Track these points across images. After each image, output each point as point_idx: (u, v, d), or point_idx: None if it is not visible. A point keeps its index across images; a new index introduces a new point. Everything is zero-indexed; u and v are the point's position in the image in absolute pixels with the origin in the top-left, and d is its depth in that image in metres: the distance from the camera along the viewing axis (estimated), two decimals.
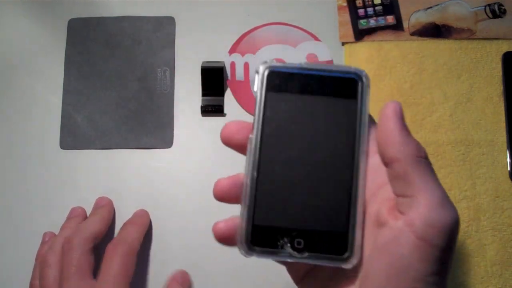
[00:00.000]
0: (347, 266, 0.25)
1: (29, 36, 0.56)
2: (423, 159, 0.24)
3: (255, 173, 0.26)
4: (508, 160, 0.50)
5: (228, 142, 0.28)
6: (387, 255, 0.23)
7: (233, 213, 0.28)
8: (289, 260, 0.25)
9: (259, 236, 0.25)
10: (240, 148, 0.27)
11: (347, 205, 0.25)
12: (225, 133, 0.28)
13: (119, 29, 0.56)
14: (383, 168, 0.26)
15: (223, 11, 0.56)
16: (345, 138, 0.26)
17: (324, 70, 0.27)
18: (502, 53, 0.53)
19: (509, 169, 0.50)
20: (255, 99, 0.27)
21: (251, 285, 0.48)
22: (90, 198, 0.50)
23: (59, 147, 0.52)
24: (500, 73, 0.53)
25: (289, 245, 0.25)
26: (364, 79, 0.27)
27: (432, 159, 0.51)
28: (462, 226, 0.48)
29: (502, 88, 0.53)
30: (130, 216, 0.49)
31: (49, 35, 0.56)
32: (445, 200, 0.24)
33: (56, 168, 0.52)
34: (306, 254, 0.25)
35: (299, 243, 0.25)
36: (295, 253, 0.25)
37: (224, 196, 0.27)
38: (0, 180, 0.51)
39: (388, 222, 0.24)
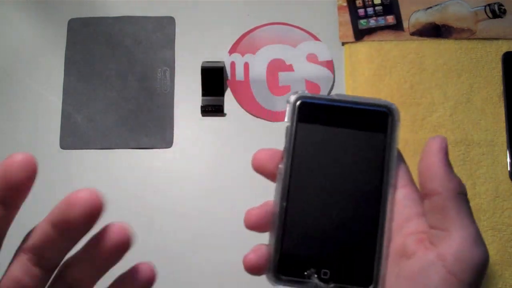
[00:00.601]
0: None
1: (29, 36, 0.56)
2: (463, 196, 0.25)
3: (284, 203, 0.26)
4: (508, 160, 0.50)
5: (261, 170, 0.28)
6: (414, 284, 0.24)
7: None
8: None
9: (287, 265, 0.26)
10: (271, 176, 0.28)
11: (374, 237, 0.26)
12: (257, 162, 0.28)
13: (119, 29, 0.56)
14: (409, 202, 0.26)
15: (223, 11, 0.56)
16: (373, 171, 0.27)
17: (355, 103, 0.27)
18: (502, 53, 0.53)
19: (509, 169, 0.50)
20: (286, 128, 0.27)
21: (251, 285, 0.48)
22: None
23: (59, 147, 0.52)
24: (500, 73, 0.53)
25: (315, 275, 0.25)
26: (394, 113, 0.27)
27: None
28: None
29: (502, 88, 0.53)
30: (130, 216, 0.49)
31: (49, 35, 0.56)
32: (478, 238, 0.24)
33: (56, 168, 0.52)
34: (332, 285, 0.25)
35: (325, 274, 0.25)
36: (321, 284, 0.25)
37: (255, 226, 0.28)
38: None
39: (417, 253, 0.25)
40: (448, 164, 0.26)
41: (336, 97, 0.28)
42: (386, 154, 0.27)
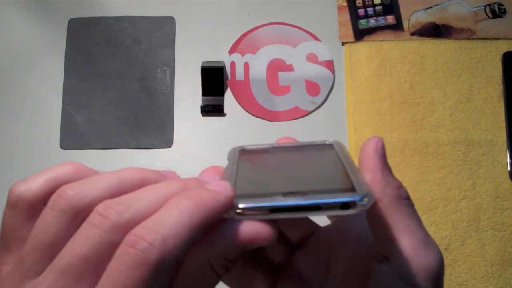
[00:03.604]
0: (362, 203, 0.20)
1: (29, 36, 0.56)
2: (404, 200, 0.24)
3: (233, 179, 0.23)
4: (508, 160, 0.50)
5: None
6: None
7: None
8: (283, 216, 0.20)
9: (243, 196, 0.21)
10: None
11: (341, 168, 0.23)
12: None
13: (119, 29, 0.56)
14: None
15: (223, 11, 0.56)
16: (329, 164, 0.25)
17: (296, 144, 0.27)
18: (502, 53, 0.53)
19: (509, 169, 0.50)
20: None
21: None
22: None
23: (59, 147, 0.52)
24: (500, 73, 0.53)
25: (280, 196, 0.21)
26: (337, 143, 0.27)
27: (432, 159, 0.52)
28: (462, 226, 0.48)
29: (502, 88, 0.53)
30: None
31: (49, 35, 0.56)
32: (428, 241, 0.23)
33: None
34: (307, 197, 0.20)
35: (294, 196, 0.21)
36: (290, 199, 0.20)
37: None
38: (0, 180, 0.51)
39: (373, 270, 0.23)
40: (385, 167, 0.24)
41: (276, 145, 0.27)
42: (340, 157, 0.25)
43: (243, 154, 0.27)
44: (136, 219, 0.19)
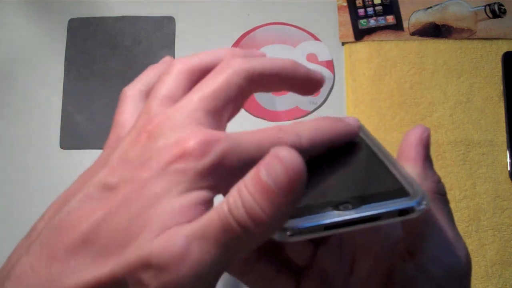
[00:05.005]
0: (420, 207, 0.18)
1: (29, 36, 0.56)
2: (440, 197, 0.23)
3: None
4: (508, 160, 0.50)
5: None
6: None
7: None
8: (338, 231, 0.18)
9: (296, 213, 0.19)
10: None
11: (385, 169, 0.21)
12: None
13: (119, 29, 0.56)
14: None
15: (223, 11, 0.56)
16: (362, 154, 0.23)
17: None
18: (502, 53, 0.53)
19: (509, 169, 0.50)
20: None
21: None
22: None
23: (59, 147, 0.52)
24: (500, 73, 0.53)
25: (331, 208, 0.19)
26: (360, 125, 0.24)
27: (432, 159, 0.51)
28: (462, 226, 0.48)
29: (502, 88, 0.53)
30: None
31: (49, 35, 0.56)
32: (458, 243, 0.22)
33: (56, 168, 0.52)
34: (362, 207, 0.18)
35: (345, 207, 0.19)
36: (344, 212, 0.18)
37: None
38: (0, 180, 0.51)
39: (396, 267, 0.22)
40: (427, 159, 0.23)
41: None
42: (372, 148, 0.23)
43: None
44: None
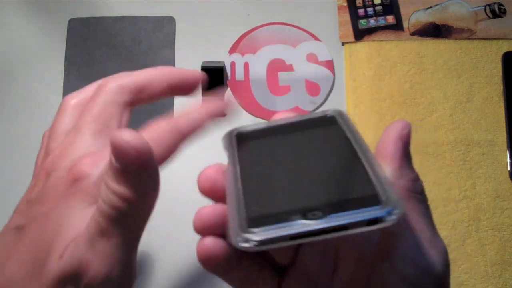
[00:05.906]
0: (391, 217, 0.18)
1: (29, 36, 0.56)
2: (417, 195, 0.22)
3: (239, 184, 0.21)
4: (508, 160, 0.50)
5: (210, 188, 0.24)
6: None
7: None
8: (305, 241, 0.18)
9: (258, 220, 0.19)
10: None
11: (362, 169, 0.20)
12: (204, 180, 0.24)
13: (119, 29, 0.56)
14: None
15: (223, 11, 0.56)
16: (340, 149, 0.22)
17: (294, 119, 0.24)
18: (502, 53, 0.53)
19: (509, 169, 0.50)
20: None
21: None
22: None
23: None
24: (500, 73, 0.53)
25: (299, 216, 0.18)
26: (341, 113, 0.23)
27: (432, 159, 0.52)
28: (462, 226, 0.48)
29: (502, 88, 0.53)
30: None
31: (49, 35, 0.56)
32: (435, 242, 0.21)
33: None
34: (330, 217, 0.18)
35: (313, 215, 0.18)
36: (311, 222, 0.18)
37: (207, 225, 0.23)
38: (0, 180, 0.51)
39: (375, 266, 0.21)
40: (405, 156, 0.22)
41: (271, 122, 0.25)
42: (350, 139, 0.22)
43: (241, 143, 0.26)
44: None
